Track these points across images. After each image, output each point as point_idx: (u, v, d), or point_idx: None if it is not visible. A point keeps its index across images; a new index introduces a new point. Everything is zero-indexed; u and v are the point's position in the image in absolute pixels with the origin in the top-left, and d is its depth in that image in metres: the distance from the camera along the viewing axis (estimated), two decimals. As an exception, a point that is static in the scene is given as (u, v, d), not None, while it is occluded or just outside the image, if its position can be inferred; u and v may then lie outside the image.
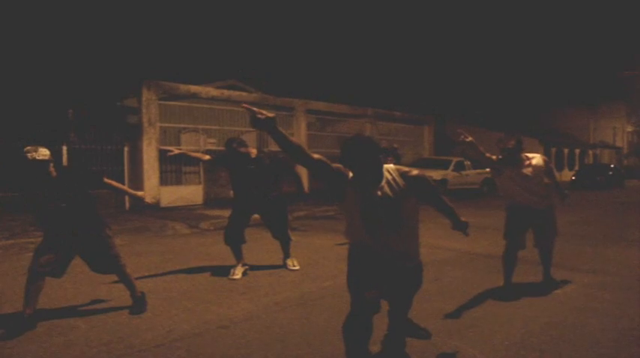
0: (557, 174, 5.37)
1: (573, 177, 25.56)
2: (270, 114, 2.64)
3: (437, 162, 18.97)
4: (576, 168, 31.68)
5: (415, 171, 3.01)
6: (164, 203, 13.13)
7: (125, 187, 4.74)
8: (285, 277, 5.89)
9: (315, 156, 2.86)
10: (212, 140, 15.07)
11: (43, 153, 4.03)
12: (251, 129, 17.72)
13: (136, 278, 5.57)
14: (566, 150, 33.69)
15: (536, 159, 4.87)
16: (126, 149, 12.89)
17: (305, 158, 2.82)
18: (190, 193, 14.05)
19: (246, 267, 5.99)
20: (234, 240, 5.96)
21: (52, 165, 4.11)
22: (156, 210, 12.35)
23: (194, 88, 14.35)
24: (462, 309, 4.53)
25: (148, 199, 4.75)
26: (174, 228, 9.88)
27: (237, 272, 5.84)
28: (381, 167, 2.94)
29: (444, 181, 17.21)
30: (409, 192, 2.95)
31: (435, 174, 16.89)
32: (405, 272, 3.17)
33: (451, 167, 18.29)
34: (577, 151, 34.97)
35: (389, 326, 3.57)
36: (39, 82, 13.96)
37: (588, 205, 15.13)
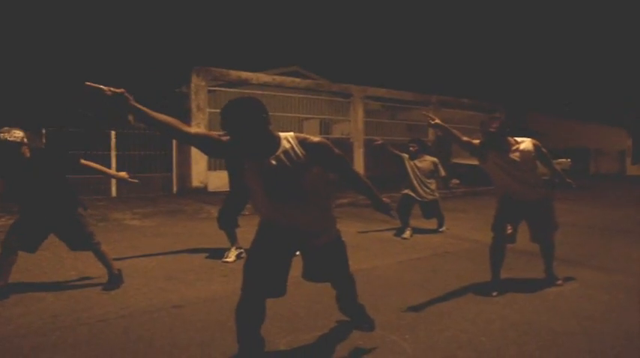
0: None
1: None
2: (118, 90, 2.39)
3: None
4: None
5: (316, 139, 2.71)
6: (212, 187, 13.43)
7: (105, 168, 4.82)
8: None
9: (193, 130, 2.60)
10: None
11: (16, 134, 4.21)
12: (310, 116, 17.76)
13: (136, 257, 5.84)
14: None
15: (525, 143, 4.40)
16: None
17: (180, 134, 2.55)
18: (240, 178, 14.22)
19: (241, 250, 5.98)
20: (228, 223, 5.97)
21: (25, 147, 4.29)
22: (203, 194, 12.70)
23: (245, 74, 14.53)
24: (430, 303, 4.21)
25: (132, 178, 4.82)
26: (209, 211, 10.11)
27: (231, 256, 5.86)
28: (269, 133, 2.66)
29: None
30: (311, 161, 2.67)
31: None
32: (316, 250, 2.99)
33: None
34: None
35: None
36: (100, 72, 14.74)
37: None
